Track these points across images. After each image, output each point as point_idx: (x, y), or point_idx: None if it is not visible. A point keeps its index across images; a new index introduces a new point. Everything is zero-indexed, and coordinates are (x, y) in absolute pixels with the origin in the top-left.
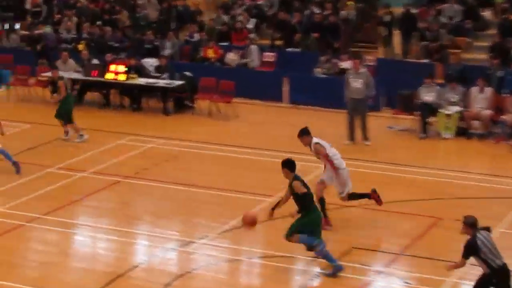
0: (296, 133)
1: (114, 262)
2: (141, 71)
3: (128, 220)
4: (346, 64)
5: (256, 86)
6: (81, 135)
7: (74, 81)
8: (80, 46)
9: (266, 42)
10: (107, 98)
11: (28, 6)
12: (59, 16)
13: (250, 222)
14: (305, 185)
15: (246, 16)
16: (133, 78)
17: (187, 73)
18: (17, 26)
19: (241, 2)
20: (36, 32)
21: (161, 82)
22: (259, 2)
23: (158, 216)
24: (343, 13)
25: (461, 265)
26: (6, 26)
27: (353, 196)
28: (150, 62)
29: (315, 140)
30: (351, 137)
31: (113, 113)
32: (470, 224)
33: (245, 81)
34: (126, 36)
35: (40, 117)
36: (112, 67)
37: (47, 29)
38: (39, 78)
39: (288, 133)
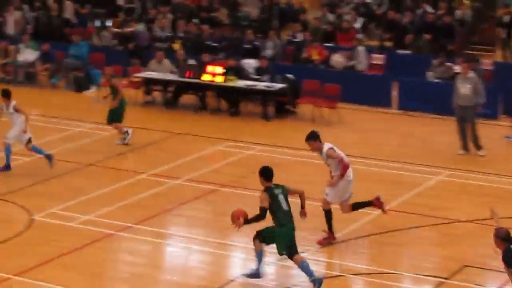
0: (406, 142)
1: (208, 276)
2: (240, 73)
3: (223, 231)
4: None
5: (363, 90)
6: (124, 138)
7: (168, 83)
8: (176, 46)
9: (375, 43)
10: (203, 101)
11: (121, 2)
12: (153, 12)
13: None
14: (275, 198)
15: (353, 15)
16: (231, 80)
17: (289, 76)
18: (109, 23)
19: (348, 0)
20: (129, 30)
21: (261, 85)
22: (367, 0)
23: (255, 228)
24: (458, 13)
25: None
26: (97, 23)
27: (356, 206)
28: (250, 63)
29: (328, 145)
30: (465, 146)
31: (210, 117)
32: (503, 238)
33: (352, 85)
34: (225, 36)
35: (132, 121)
36: (209, 68)
37: (140, 27)
38: (131, 79)
39: (397, 142)
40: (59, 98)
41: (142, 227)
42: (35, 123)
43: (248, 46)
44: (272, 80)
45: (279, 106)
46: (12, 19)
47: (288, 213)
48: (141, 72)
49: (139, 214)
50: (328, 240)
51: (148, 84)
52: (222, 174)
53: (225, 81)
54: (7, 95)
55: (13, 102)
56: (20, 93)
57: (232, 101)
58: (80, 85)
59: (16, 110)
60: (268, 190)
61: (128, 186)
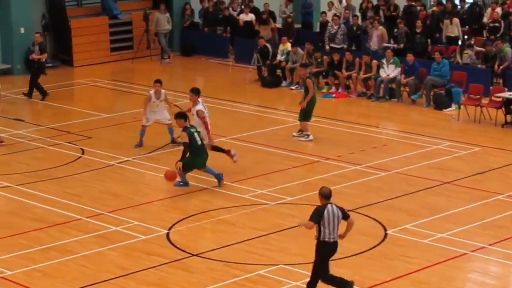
0: None
1: None
2: None
3: None
4: None
5: None
6: (308, 135)
7: None
8: None
9: None
10: None
11: (486, 19)
12: None
13: (170, 177)
14: (191, 136)
15: None
16: None
17: None
18: (472, 41)
19: None
20: (493, 49)
21: None
22: None
23: None
24: None
25: (307, 226)
26: (460, 41)
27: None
28: None
29: (201, 106)
30: None
31: None
32: (323, 195)
33: None
34: None
35: (490, 141)
36: None
37: (506, 48)
38: (493, 98)
39: None
40: (418, 114)
41: (495, 248)
42: (393, 138)
43: None
44: None
45: None
46: (376, 34)
47: (201, 146)
48: (503, 92)
49: (493, 235)
50: None
51: (509, 105)
52: None
53: None
54: (160, 82)
55: (163, 91)
56: (379, 107)
57: None
58: (440, 103)
59: (165, 99)
60: (186, 129)
61: (484, 206)
